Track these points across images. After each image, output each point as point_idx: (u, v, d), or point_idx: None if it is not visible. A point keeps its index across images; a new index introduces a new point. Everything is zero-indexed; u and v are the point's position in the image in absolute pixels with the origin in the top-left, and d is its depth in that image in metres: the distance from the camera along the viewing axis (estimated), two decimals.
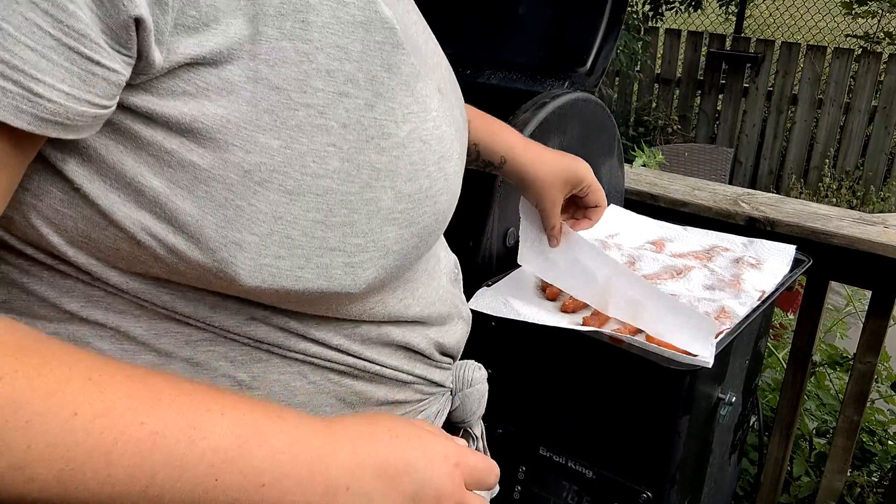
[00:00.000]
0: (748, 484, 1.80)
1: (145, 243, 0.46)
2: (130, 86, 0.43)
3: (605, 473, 1.05)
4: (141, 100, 0.43)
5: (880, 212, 4.43)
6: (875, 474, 1.84)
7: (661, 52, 5.50)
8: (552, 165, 0.94)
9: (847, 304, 2.14)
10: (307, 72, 0.47)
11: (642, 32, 5.05)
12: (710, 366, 0.88)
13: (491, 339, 1.09)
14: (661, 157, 2.56)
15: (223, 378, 0.52)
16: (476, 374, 0.73)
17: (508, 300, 1.05)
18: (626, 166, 1.55)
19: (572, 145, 1.23)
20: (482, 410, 0.75)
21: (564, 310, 1.05)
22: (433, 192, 0.56)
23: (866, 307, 1.45)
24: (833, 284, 1.50)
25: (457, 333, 0.70)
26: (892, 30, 5.90)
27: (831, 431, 1.78)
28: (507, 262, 1.14)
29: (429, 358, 0.65)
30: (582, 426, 1.06)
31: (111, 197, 0.45)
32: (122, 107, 0.44)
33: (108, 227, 0.46)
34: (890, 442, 1.88)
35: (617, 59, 4.65)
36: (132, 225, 0.45)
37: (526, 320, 1.00)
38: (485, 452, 0.78)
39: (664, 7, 5.47)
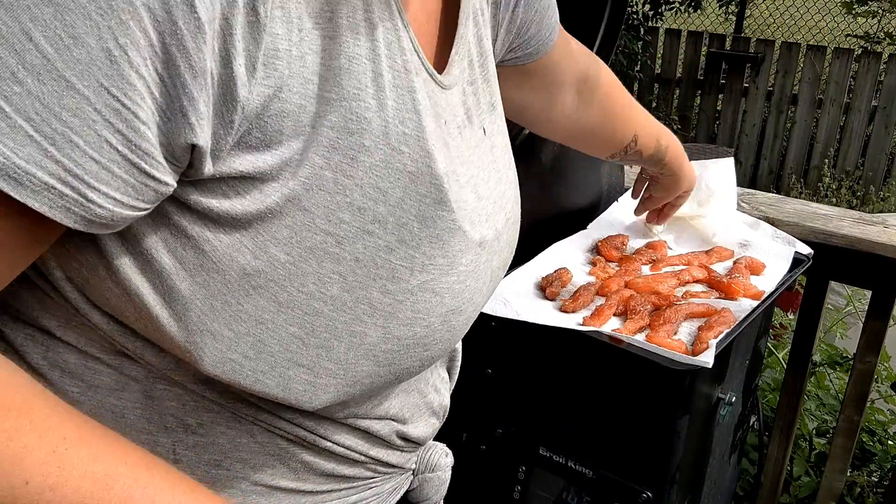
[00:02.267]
0: (748, 484, 1.80)
1: (134, 304, 0.48)
2: (181, 182, 0.45)
3: (605, 473, 1.05)
4: (180, 190, 0.45)
5: (880, 212, 4.43)
6: (875, 474, 1.84)
7: (661, 52, 5.50)
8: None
9: (847, 304, 2.14)
10: (339, 203, 0.48)
11: (642, 32, 5.05)
12: (710, 366, 0.88)
13: (491, 339, 1.09)
14: None
15: (171, 418, 0.54)
16: (442, 461, 0.73)
17: (508, 300, 1.05)
18: (626, 166, 1.55)
19: None
20: (441, 497, 0.75)
21: (564, 310, 1.05)
22: (428, 342, 0.56)
23: (866, 307, 1.45)
24: (833, 284, 1.49)
25: (426, 428, 0.69)
26: (892, 30, 5.90)
27: (831, 431, 1.78)
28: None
29: (388, 443, 0.65)
30: (582, 426, 1.06)
31: (122, 258, 0.47)
32: (174, 199, 0.45)
33: (107, 280, 0.47)
34: (890, 442, 1.88)
35: (617, 59, 4.65)
36: (129, 285, 0.47)
37: (526, 320, 1.00)
38: None
39: (664, 7, 5.47)
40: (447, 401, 0.73)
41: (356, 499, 0.64)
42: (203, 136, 0.42)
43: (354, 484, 0.64)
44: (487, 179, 0.60)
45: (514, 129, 1.10)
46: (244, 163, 0.45)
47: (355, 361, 0.52)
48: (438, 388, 0.71)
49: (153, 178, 0.42)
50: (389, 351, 0.54)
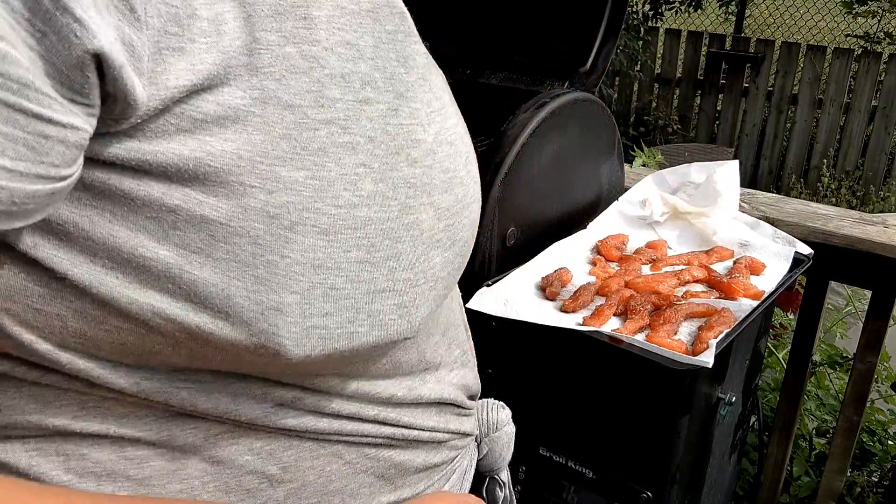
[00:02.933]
0: (748, 484, 1.80)
1: (160, 329, 0.37)
2: (107, 134, 0.34)
3: (605, 473, 1.05)
4: (125, 149, 0.34)
5: (880, 212, 4.43)
6: (875, 474, 1.84)
7: (661, 52, 5.50)
8: None
9: (847, 304, 2.14)
10: (321, 80, 0.39)
11: (642, 32, 5.05)
12: (710, 366, 0.88)
13: (491, 339, 1.09)
14: (660, 156, 2.57)
15: (250, 475, 0.45)
16: (501, 415, 0.67)
17: (508, 300, 1.04)
18: (626, 166, 1.55)
19: (572, 145, 1.23)
20: (510, 454, 0.69)
21: (564, 310, 1.05)
22: (468, 201, 0.49)
23: (866, 307, 1.45)
24: (833, 284, 1.49)
25: (474, 367, 0.63)
26: (892, 30, 5.90)
27: (831, 431, 1.78)
28: (507, 262, 1.13)
29: (460, 407, 0.59)
30: (582, 426, 1.06)
31: (106, 280, 0.36)
32: (101, 162, 0.35)
33: (107, 320, 0.37)
34: (890, 442, 1.88)
35: (617, 59, 4.65)
36: (140, 310, 0.36)
37: (526, 320, 1.00)
38: (511, 498, 0.73)
39: (664, 7, 5.47)
40: (471, 341, 0.66)
41: (447, 487, 0.58)
42: (105, 35, 0.30)
43: (443, 471, 0.58)
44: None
45: (515, 130, 1.10)
46: (181, 74, 0.34)
47: (426, 256, 0.45)
48: (462, 319, 0.64)
49: (50, 121, 0.30)
50: (446, 228, 0.46)
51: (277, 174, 0.38)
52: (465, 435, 0.61)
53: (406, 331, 0.45)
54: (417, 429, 0.53)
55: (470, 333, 0.66)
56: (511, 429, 0.68)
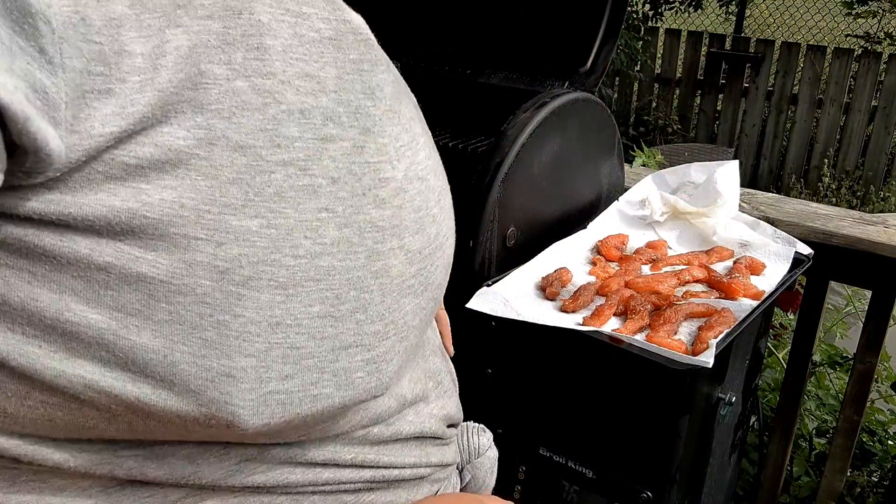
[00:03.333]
0: (748, 484, 1.80)
1: (94, 402, 0.33)
2: (21, 187, 0.30)
3: (605, 473, 1.05)
4: (42, 202, 0.30)
5: (880, 212, 4.43)
6: (875, 474, 1.84)
7: (661, 52, 5.50)
8: None
9: (847, 304, 2.14)
10: (276, 117, 0.35)
11: (642, 32, 5.06)
12: (710, 366, 0.88)
13: (491, 339, 1.09)
14: (660, 156, 2.57)
15: None
16: (482, 440, 0.63)
17: (508, 300, 1.05)
18: (626, 166, 1.55)
19: (572, 145, 1.23)
20: (494, 481, 0.65)
21: (564, 310, 1.05)
22: (441, 240, 0.45)
23: (866, 307, 1.45)
24: (833, 284, 1.49)
25: (454, 394, 0.59)
26: (892, 30, 5.90)
27: (831, 431, 1.78)
28: (507, 262, 1.13)
29: (440, 438, 0.55)
30: (582, 426, 1.06)
31: (27, 350, 0.31)
32: (15, 217, 0.30)
33: (30, 394, 0.32)
34: (890, 442, 1.88)
35: (617, 59, 4.65)
36: (69, 383, 0.32)
37: (526, 320, 1.00)
38: None
39: (664, 7, 5.47)
40: (451, 365, 0.62)
41: None
42: (3, 87, 0.26)
43: None
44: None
45: (515, 130, 1.10)
46: (108, 119, 0.30)
47: (396, 304, 0.41)
48: (440, 346, 0.60)
49: None
50: (418, 272, 0.42)
51: (227, 224, 0.33)
52: (447, 465, 0.57)
53: (376, 388, 0.41)
54: (398, 467, 0.49)
55: (448, 357, 0.63)
56: (493, 453, 0.64)
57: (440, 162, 0.49)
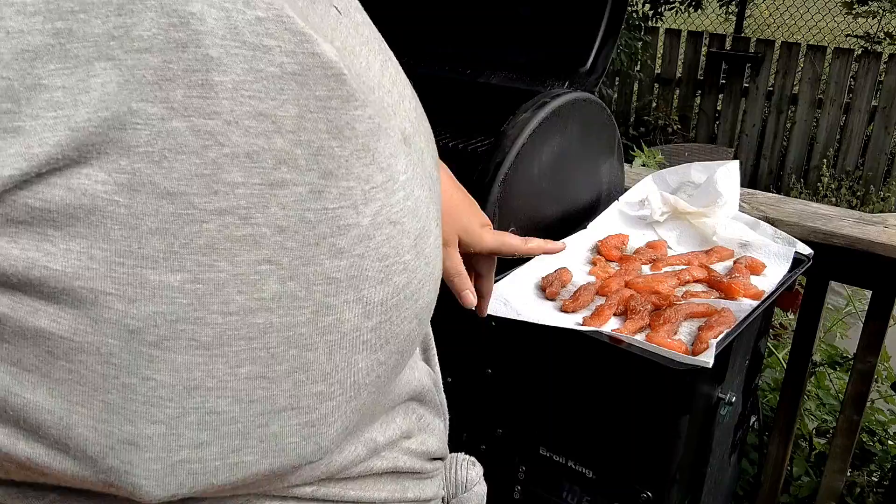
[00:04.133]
0: (748, 484, 1.80)
1: None
2: None
3: (605, 473, 1.05)
4: None
5: (880, 212, 4.43)
6: (875, 474, 1.84)
7: (661, 52, 5.50)
8: None
9: (847, 304, 2.14)
10: (216, 161, 0.31)
11: (642, 32, 5.06)
12: (710, 366, 0.88)
13: (491, 339, 1.09)
14: (661, 157, 2.57)
15: None
16: (472, 473, 0.59)
17: (508, 300, 1.05)
18: (626, 166, 1.56)
19: (572, 145, 1.23)
20: None
21: (564, 310, 1.05)
22: (413, 289, 0.40)
23: (866, 307, 1.45)
24: (833, 284, 1.50)
25: (437, 430, 0.55)
26: (892, 30, 5.91)
27: (831, 431, 1.78)
28: (507, 262, 1.14)
29: (419, 473, 0.51)
30: (582, 426, 1.06)
31: None
32: None
33: None
34: (890, 442, 1.88)
35: (617, 59, 4.65)
36: None
37: (526, 320, 1.00)
38: None
39: (664, 7, 5.47)
40: (443, 397, 0.59)
41: None
42: None
43: None
44: (370, 66, 0.43)
45: (515, 130, 1.10)
46: (12, 159, 0.27)
47: (346, 363, 0.37)
48: (424, 382, 0.56)
49: None
50: (378, 326, 0.38)
51: (143, 278, 0.30)
52: (427, 501, 0.53)
53: (312, 454, 0.37)
54: (367, 502, 0.46)
55: (438, 389, 0.59)
56: (482, 489, 0.60)
57: (430, 198, 0.44)
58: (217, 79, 0.31)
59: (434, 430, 0.54)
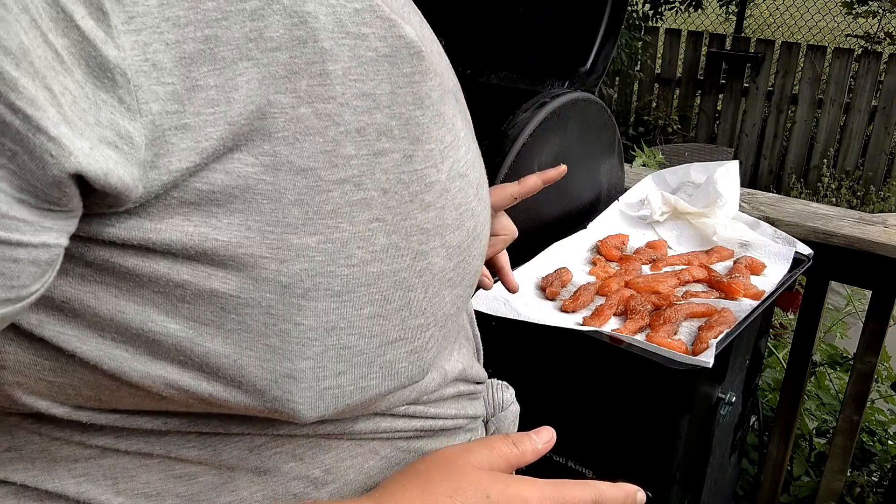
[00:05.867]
0: (748, 484, 1.80)
1: (173, 397, 0.37)
2: (104, 215, 0.33)
3: (605, 473, 1.05)
4: (124, 228, 0.33)
5: (880, 212, 4.43)
6: (875, 474, 1.84)
7: (661, 51, 5.50)
8: None
9: (847, 304, 2.14)
10: (335, 138, 0.37)
11: (642, 32, 5.06)
12: (710, 366, 0.88)
13: (491, 339, 1.09)
14: (661, 156, 2.57)
15: (295, 481, 0.45)
16: (506, 395, 0.68)
17: (508, 300, 1.05)
18: (626, 166, 1.56)
19: (572, 145, 1.23)
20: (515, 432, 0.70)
21: (564, 310, 1.05)
22: (479, 231, 0.48)
23: (866, 307, 1.45)
24: (833, 284, 1.50)
25: (480, 357, 0.65)
26: (892, 30, 5.91)
27: (831, 431, 1.78)
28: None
29: (472, 394, 0.60)
30: (582, 426, 1.06)
31: (116, 354, 0.35)
32: (101, 241, 0.33)
33: (120, 389, 0.37)
34: (890, 442, 1.88)
35: (617, 59, 4.65)
36: (152, 382, 0.36)
37: (526, 320, 1.00)
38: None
39: (664, 7, 5.47)
40: (476, 330, 0.67)
41: None
42: (81, 150, 0.28)
43: None
44: (420, 30, 0.46)
45: (515, 130, 1.10)
46: (185, 154, 0.32)
47: (437, 298, 0.44)
48: (466, 319, 0.65)
49: (17, 244, 0.29)
50: (456, 266, 0.45)
51: (289, 242, 0.36)
52: (477, 417, 0.62)
53: (417, 375, 0.45)
54: (442, 418, 0.54)
55: (474, 326, 0.67)
56: (516, 408, 0.69)
57: (478, 151, 0.51)
58: (331, 67, 0.36)
59: (476, 357, 0.63)
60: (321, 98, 0.36)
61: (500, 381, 0.69)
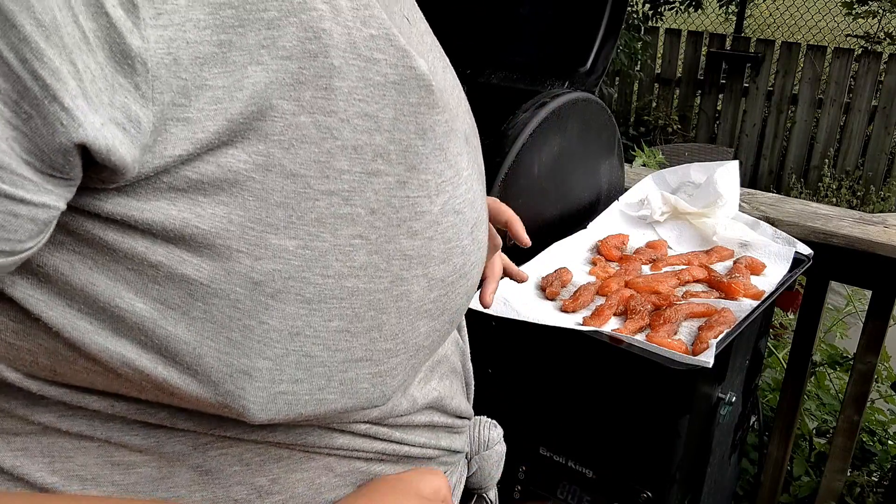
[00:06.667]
0: (748, 484, 1.80)
1: (128, 376, 0.38)
2: (94, 189, 0.34)
3: (605, 473, 1.05)
4: (111, 203, 0.34)
5: (880, 212, 4.43)
6: (875, 474, 1.84)
7: (661, 51, 5.50)
8: None
9: (847, 304, 2.14)
10: (330, 151, 0.38)
11: (642, 32, 5.06)
12: (710, 366, 0.88)
13: (491, 339, 1.09)
14: (661, 156, 2.57)
15: (238, 486, 0.45)
16: (493, 434, 0.67)
17: (508, 300, 1.05)
18: (627, 166, 1.56)
19: (572, 145, 1.23)
20: (500, 473, 0.69)
21: (564, 310, 1.05)
22: (466, 269, 0.48)
23: (866, 307, 1.45)
24: (833, 284, 1.50)
25: (465, 393, 0.63)
26: (892, 30, 5.91)
27: (831, 431, 1.78)
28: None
29: (451, 427, 0.59)
30: (582, 426, 1.06)
31: (80, 325, 0.36)
32: (85, 212, 0.34)
33: (77, 361, 0.37)
34: (890, 442, 1.88)
35: (617, 59, 4.65)
36: (109, 358, 0.37)
37: (526, 320, 1.00)
38: None
39: (664, 7, 5.47)
40: (469, 365, 0.66)
41: None
42: (91, 124, 0.30)
43: None
44: (437, 69, 0.49)
45: (515, 130, 1.10)
46: (181, 142, 0.34)
47: (410, 327, 0.44)
48: (455, 352, 0.64)
49: (20, 200, 0.30)
50: (437, 298, 0.45)
51: (267, 241, 0.37)
52: (456, 452, 0.61)
53: (378, 399, 0.45)
54: (409, 444, 0.53)
55: (465, 358, 0.66)
56: (501, 448, 0.68)
57: (482, 192, 0.52)
58: (337, 84, 0.38)
59: (461, 393, 0.62)
60: (323, 111, 0.37)
61: (489, 420, 0.69)
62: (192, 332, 0.37)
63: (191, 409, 0.41)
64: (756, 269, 1.16)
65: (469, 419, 0.64)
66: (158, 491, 0.43)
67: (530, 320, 1.00)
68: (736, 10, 6.05)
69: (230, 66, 0.34)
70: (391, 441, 0.52)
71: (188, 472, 0.43)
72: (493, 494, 0.71)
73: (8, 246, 0.31)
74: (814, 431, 1.89)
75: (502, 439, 0.69)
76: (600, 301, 1.07)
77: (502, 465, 0.69)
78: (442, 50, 0.53)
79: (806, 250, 1.22)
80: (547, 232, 1.22)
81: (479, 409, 1.14)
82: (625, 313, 1.05)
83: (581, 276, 1.16)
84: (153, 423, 0.42)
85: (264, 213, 0.37)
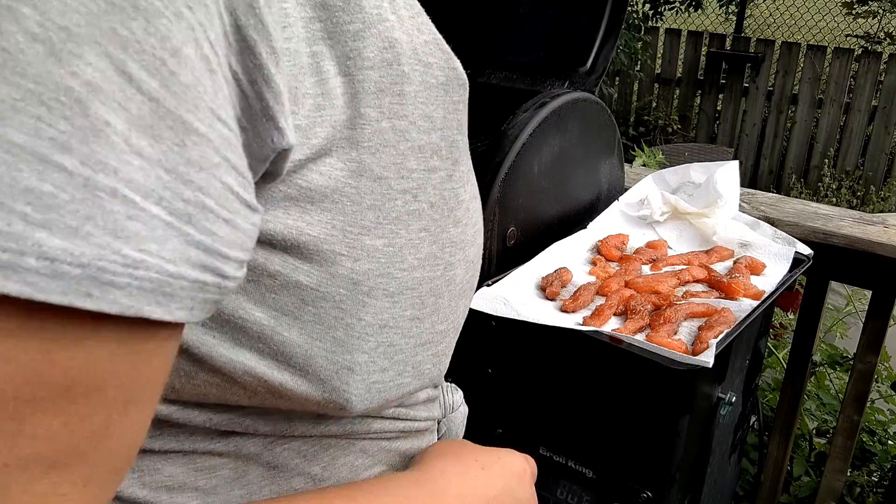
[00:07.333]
0: (748, 484, 1.80)
1: (245, 384, 0.40)
2: None
3: (605, 473, 1.05)
4: None
5: (880, 212, 4.43)
6: (875, 474, 1.84)
7: (661, 51, 5.50)
8: None
9: (847, 304, 2.14)
10: (404, 152, 0.41)
11: (642, 32, 5.06)
12: (710, 365, 0.88)
13: (491, 339, 1.09)
14: (661, 156, 2.57)
15: (298, 476, 0.49)
16: (456, 397, 0.71)
17: (508, 300, 1.05)
18: (627, 166, 1.56)
19: (572, 145, 1.23)
20: (463, 433, 0.74)
21: (564, 310, 1.05)
22: (482, 248, 0.53)
23: (866, 307, 1.45)
24: (833, 284, 1.50)
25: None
26: (892, 30, 5.91)
27: (831, 431, 1.78)
28: (507, 261, 1.14)
29: (434, 398, 0.63)
30: (582, 426, 1.06)
31: (206, 340, 0.38)
32: None
33: (197, 375, 0.39)
34: (890, 442, 1.89)
35: (617, 59, 4.65)
36: (233, 369, 0.38)
37: (526, 320, 1.00)
38: None
39: (664, 7, 5.47)
40: None
41: None
42: (290, 135, 0.33)
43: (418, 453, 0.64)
44: None
45: (515, 130, 1.10)
46: (301, 148, 0.36)
47: (456, 307, 0.48)
48: None
49: (255, 209, 0.32)
50: (470, 278, 0.50)
51: (362, 243, 0.40)
52: (435, 419, 0.65)
53: (437, 377, 0.49)
54: (417, 420, 0.58)
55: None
56: (465, 409, 0.72)
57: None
58: (407, 89, 0.41)
59: None
60: (397, 115, 0.40)
61: (449, 384, 0.72)
62: (304, 335, 0.39)
63: (275, 412, 0.44)
64: (756, 269, 1.16)
65: (440, 386, 0.68)
66: (235, 489, 0.46)
67: (530, 320, 1.00)
68: (736, 10, 6.06)
69: (322, 76, 0.36)
70: (407, 419, 0.56)
71: (259, 468, 0.46)
72: None
73: (246, 256, 0.31)
74: (814, 431, 1.89)
75: (464, 401, 0.73)
76: (600, 301, 1.07)
77: (464, 425, 0.73)
78: None
79: (806, 250, 1.22)
80: (547, 232, 1.22)
81: (479, 408, 1.15)
82: (625, 313, 1.05)
83: (581, 276, 1.16)
84: (233, 433, 0.44)
85: (359, 216, 0.39)
